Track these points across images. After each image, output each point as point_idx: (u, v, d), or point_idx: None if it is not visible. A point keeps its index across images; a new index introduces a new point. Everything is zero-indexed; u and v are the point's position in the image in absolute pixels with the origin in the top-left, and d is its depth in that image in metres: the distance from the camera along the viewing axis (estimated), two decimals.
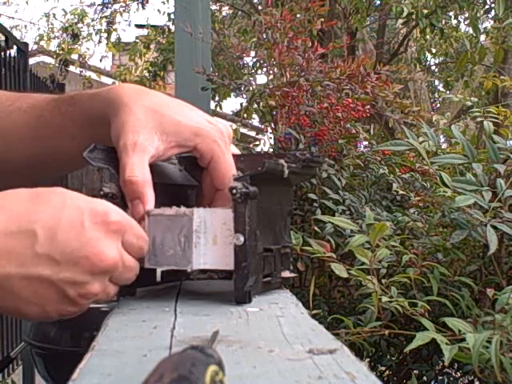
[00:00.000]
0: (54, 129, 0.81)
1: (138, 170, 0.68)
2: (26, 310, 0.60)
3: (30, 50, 4.89)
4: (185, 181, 0.80)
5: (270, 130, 1.82)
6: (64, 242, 0.58)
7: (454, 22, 7.10)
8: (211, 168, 0.74)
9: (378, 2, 6.18)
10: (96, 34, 8.73)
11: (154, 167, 0.71)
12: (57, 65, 8.08)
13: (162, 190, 0.72)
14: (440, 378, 1.43)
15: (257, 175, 0.66)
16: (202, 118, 0.74)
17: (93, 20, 8.82)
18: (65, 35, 8.73)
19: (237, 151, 0.81)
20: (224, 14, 7.90)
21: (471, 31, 6.33)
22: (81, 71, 8.95)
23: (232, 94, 6.43)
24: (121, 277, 0.63)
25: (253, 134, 6.45)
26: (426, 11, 5.15)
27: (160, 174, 0.75)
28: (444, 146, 2.67)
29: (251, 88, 1.72)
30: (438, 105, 9.79)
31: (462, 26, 7.30)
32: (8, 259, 0.57)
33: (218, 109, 6.95)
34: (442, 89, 9.73)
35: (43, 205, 0.59)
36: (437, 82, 9.99)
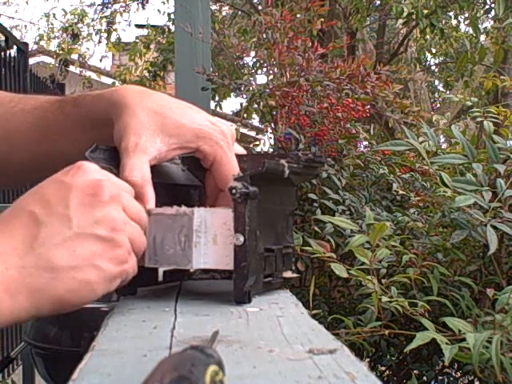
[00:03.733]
0: (57, 130, 0.81)
1: (137, 171, 0.68)
2: (86, 276, 0.57)
3: (30, 49, 4.89)
4: (187, 181, 0.80)
5: (269, 129, 1.82)
6: (59, 200, 0.58)
7: (454, 22, 7.10)
8: (214, 169, 0.74)
9: (378, 2, 6.18)
10: (96, 34, 8.73)
11: (156, 167, 0.71)
12: (57, 65, 8.09)
13: (163, 190, 0.72)
14: (440, 377, 1.43)
15: (257, 175, 0.66)
16: (205, 119, 0.74)
17: (93, 20, 8.82)
18: (65, 35, 8.73)
19: (241, 150, 0.81)
20: (224, 13, 7.91)
21: (471, 31, 6.33)
22: (81, 71, 8.96)
23: (232, 94, 6.44)
24: (131, 207, 0.63)
25: (253, 134, 6.46)
26: (426, 11, 5.15)
27: (162, 173, 0.75)
28: (444, 146, 2.67)
29: (251, 88, 1.72)
30: (438, 105, 9.79)
31: (462, 26, 7.31)
32: (25, 242, 0.56)
33: (218, 109, 6.96)
34: (442, 89, 9.73)
35: (26, 194, 0.61)
36: (437, 82, 9.99)
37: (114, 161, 0.70)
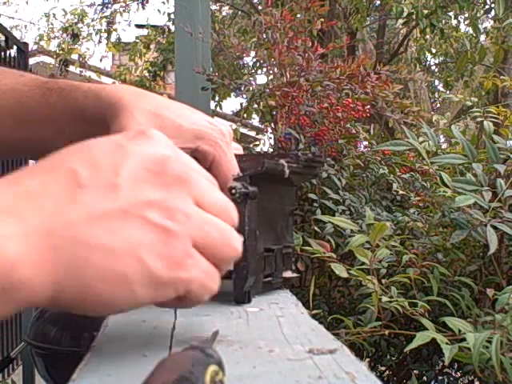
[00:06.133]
0: (41, 119, 0.79)
1: None
2: (124, 267, 0.43)
3: (30, 49, 4.89)
4: None
5: (270, 129, 1.82)
6: (110, 165, 0.46)
7: (454, 22, 7.11)
8: (213, 169, 0.74)
9: (378, 2, 6.18)
10: (96, 34, 8.74)
11: None
12: (57, 65, 8.10)
13: None
14: (440, 377, 1.43)
15: (256, 175, 0.66)
16: (203, 119, 0.74)
17: (93, 20, 8.83)
18: (65, 35, 8.73)
19: (237, 147, 0.81)
20: (224, 13, 7.91)
21: (471, 31, 6.34)
22: (81, 71, 8.96)
23: (232, 94, 6.44)
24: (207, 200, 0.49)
25: (253, 134, 6.46)
26: (426, 11, 5.16)
27: None
28: (444, 146, 2.67)
29: (251, 88, 1.72)
30: (438, 105, 9.79)
31: (462, 26, 7.31)
32: (56, 205, 0.43)
33: (218, 109, 6.96)
34: (442, 89, 9.73)
35: (70, 150, 0.48)
36: (437, 82, 9.99)
37: None
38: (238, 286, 0.66)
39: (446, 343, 0.98)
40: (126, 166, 0.46)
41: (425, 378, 1.42)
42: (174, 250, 0.45)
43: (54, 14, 9.31)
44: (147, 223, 0.45)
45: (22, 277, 0.41)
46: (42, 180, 0.45)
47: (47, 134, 0.80)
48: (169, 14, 7.57)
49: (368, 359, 1.46)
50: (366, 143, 1.95)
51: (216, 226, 0.48)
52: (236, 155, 0.76)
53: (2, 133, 0.81)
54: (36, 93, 0.79)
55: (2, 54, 3.94)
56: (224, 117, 7.91)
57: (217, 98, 6.78)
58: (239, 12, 7.44)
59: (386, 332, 1.14)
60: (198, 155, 0.74)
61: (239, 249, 0.50)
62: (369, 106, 1.66)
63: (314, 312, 1.23)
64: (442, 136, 3.11)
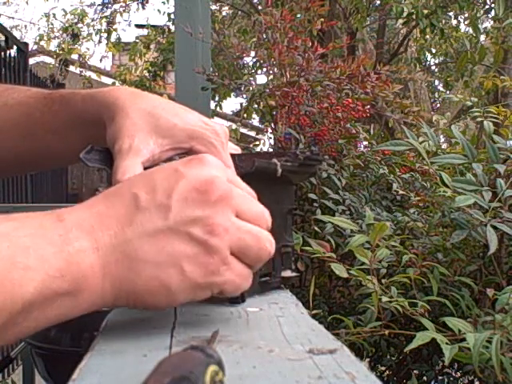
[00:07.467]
0: (44, 128, 0.81)
1: (129, 173, 0.67)
2: (167, 278, 0.52)
3: (30, 49, 4.90)
4: None
5: (270, 129, 1.81)
6: (165, 189, 0.54)
7: (454, 22, 7.11)
8: None
9: (378, 2, 6.18)
10: (96, 34, 8.73)
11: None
12: (57, 65, 8.10)
13: None
14: (440, 377, 1.43)
15: (249, 174, 0.66)
16: (198, 119, 0.74)
17: (93, 20, 8.83)
18: (65, 35, 8.74)
19: (235, 148, 0.81)
20: (224, 14, 7.91)
21: (471, 31, 6.34)
22: (81, 71, 8.97)
23: (232, 94, 6.45)
24: (246, 212, 0.56)
25: (253, 134, 6.47)
26: (426, 11, 5.16)
27: None
28: (444, 146, 2.67)
29: (251, 88, 1.72)
30: (438, 105, 9.80)
31: (462, 26, 7.31)
32: (119, 225, 0.53)
33: (218, 109, 6.96)
34: (442, 89, 9.74)
35: (136, 177, 0.60)
36: (437, 82, 9.99)
37: (108, 162, 0.70)
38: None
39: (446, 343, 0.98)
40: (178, 188, 0.54)
41: (425, 377, 1.42)
42: (211, 260, 0.53)
43: (54, 14, 9.32)
44: (190, 238, 0.53)
45: (91, 284, 0.51)
46: (111, 202, 0.54)
47: (51, 143, 0.81)
48: (169, 14, 7.57)
49: (368, 359, 1.45)
50: (366, 143, 1.95)
51: (251, 232, 0.56)
52: (235, 155, 0.76)
53: (9, 147, 0.84)
54: (40, 102, 0.81)
55: (2, 53, 3.94)
56: (224, 117, 7.92)
57: (217, 98, 6.78)
58: (239, 12, 7.44)
59: (386, 332, 1.14)
60: (192, 155, 0.74)
61: (272, 250, 0.57)
62: (369, 106, 1.66)
63: (314, 312, 1.23)
64: (442, 136, 3.11)
